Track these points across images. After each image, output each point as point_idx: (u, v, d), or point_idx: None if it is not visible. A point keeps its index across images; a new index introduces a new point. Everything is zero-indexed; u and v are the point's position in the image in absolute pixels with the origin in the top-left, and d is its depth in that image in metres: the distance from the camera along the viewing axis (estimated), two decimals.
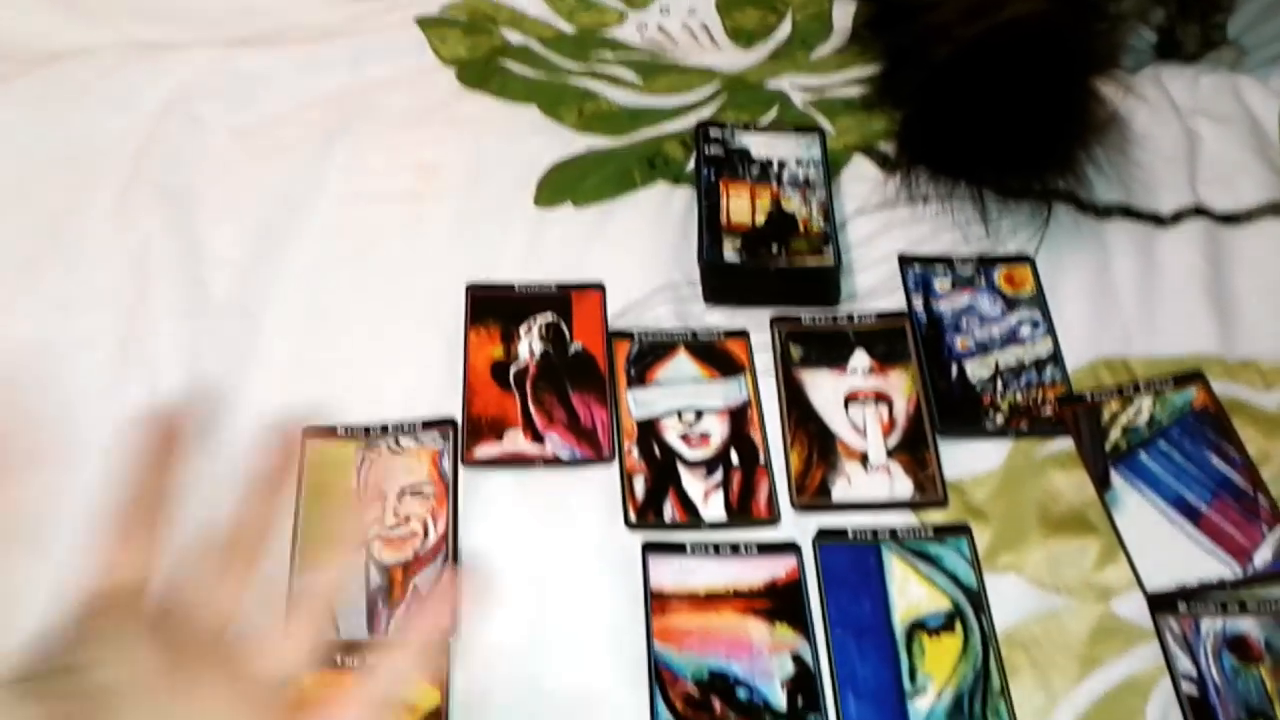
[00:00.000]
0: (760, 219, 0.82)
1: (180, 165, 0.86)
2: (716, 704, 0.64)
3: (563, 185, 0.87)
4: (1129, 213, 0.84)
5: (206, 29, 0.94)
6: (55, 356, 0.76)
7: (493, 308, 0.79)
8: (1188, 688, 0.64)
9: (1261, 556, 0.68)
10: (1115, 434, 0.73)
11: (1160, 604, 0.67)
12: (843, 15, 1.01)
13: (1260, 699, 0.63)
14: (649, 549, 0.69)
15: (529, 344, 0.78)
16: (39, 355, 0.76)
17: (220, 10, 0.96)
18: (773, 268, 0.79)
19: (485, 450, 0.73)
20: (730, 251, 0.80)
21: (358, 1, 0.97)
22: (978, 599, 0.67)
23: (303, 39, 0.93)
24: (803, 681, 0.65)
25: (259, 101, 0.89)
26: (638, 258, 0.83)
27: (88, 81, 0.90)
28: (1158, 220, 0.84)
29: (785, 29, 1.01)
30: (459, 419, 0.74)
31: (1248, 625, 0.66)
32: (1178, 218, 0.84)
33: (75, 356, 0.76)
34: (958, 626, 0.66)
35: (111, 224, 0.83)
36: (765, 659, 0.65)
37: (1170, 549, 0.69)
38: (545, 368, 0.77)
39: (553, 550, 0.70)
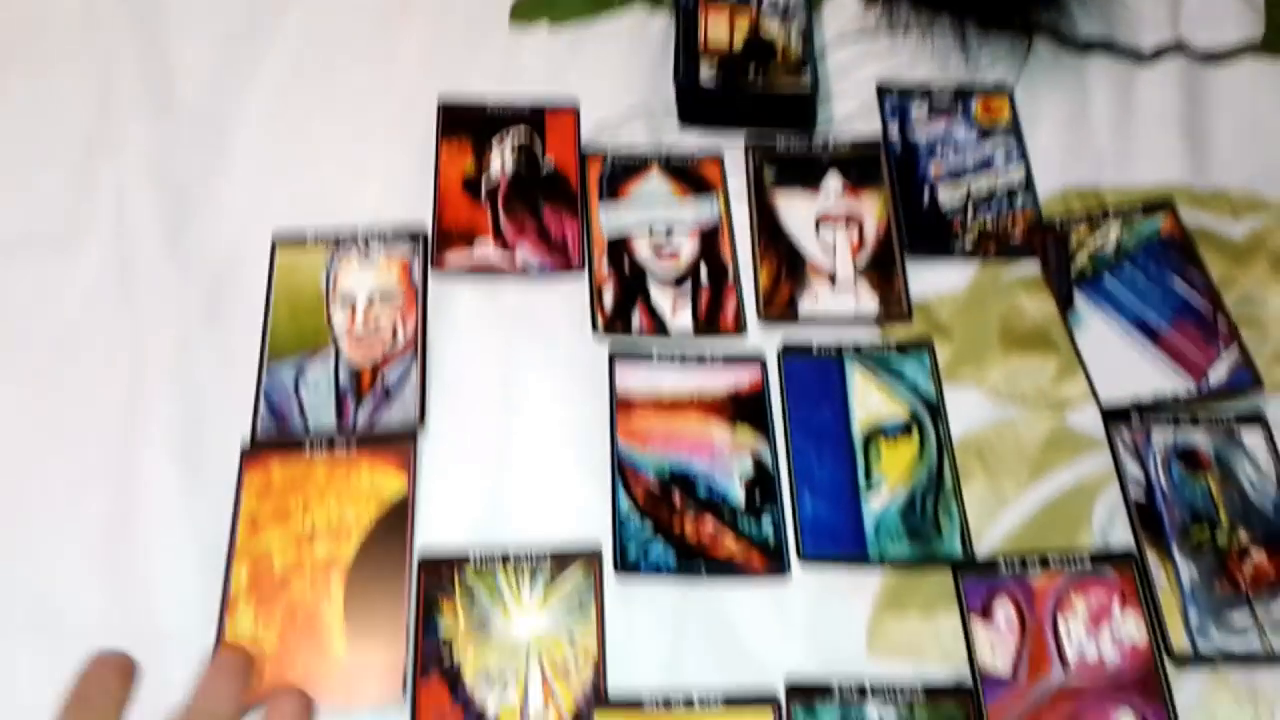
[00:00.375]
0: (738, 43, 0.81)
1: None
2: (676, 497, 0.65)
3: (539, 3, 0.86)
4: (1110, 48, 0.84)
5: None
6: (24, 158, 0.76)
7: (465, 123, 0.79)
8: (1135, 492, 0.65)
9: (1216, 374, 0.69)
10: (1082, 259, 0.74)
11: (1114, 416, 0.68)
12: None
13: (1206, 504, 0.65)
14: (616, 356, 0.70)
15: (501, 160, 0.77)
16: (8, 157, 0.76)
17: None
18: (748, 92, 0.78)
19: (455, 258, 0.73)
20: (706, 74, 0.79)
21: None
22: (935, 408, 0.69)
23: None
24: (761, 480, 0.66)
25: None
26: (613, 79, 0.82)
27: None
28: (1138, 56, 0.84)
29: None
30: (429, 229, 0.74)
31: (1198, 438, 0.67)
32: (1158, 54, 0.83)
33: (44, 157, 0.76)
34: (914, 433, 0.68)
35: (79, 31, 0.82)
36: (726, 458, 0.67)
37: (1128, 366, 0.70)
38: (517, 182, 0.77)
39: (520, 356, 0.70)
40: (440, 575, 0.61)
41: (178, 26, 0.82)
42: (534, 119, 0.79)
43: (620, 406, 0.68)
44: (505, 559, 0.62)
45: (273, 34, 0.82)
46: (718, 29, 0.82)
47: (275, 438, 0.66)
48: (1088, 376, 0.70)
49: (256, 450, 0.65)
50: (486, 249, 0.74)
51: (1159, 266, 0.73)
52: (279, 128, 0.78)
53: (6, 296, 0.71)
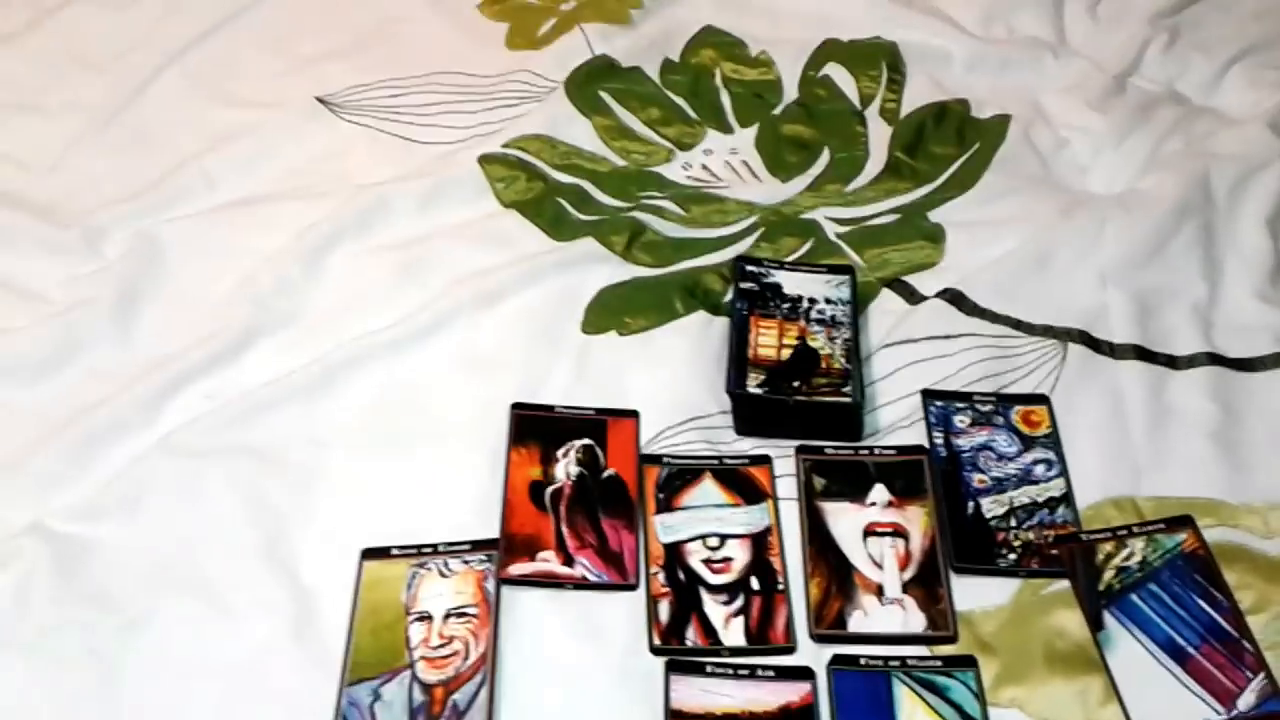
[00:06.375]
0: (785, 354, 0.87)
1: None
2: None
3: (608, 314, 0.93)
4: (1142, 354, 0.88)
5: None
6: None
7: (534, 428, 0.85)
8: None
9: (1245, 701, 0.71)
10: (1109, 574, 0.77)
11: None
12: (879, 145, 1.08)
13: None
14: (671, 666, 0.74)
15: (565, 466, 0.83)
16: None
17: None
18: (792, 401, 0.84)
19: (519, 568, 0.78)
20: (754, 383, 0.85)
21: None
22: None
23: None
24: None
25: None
26: (674, 384, 0.89)
27: None
28: (1171, 362, 0.88)
29: (823, 161, 1.07)
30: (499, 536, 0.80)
31: None
32: (1191, 361, 0.88)
33: None
34: None
35: None
36: None
37: (1160, 691, 0.71)
38: (579, 489, 0.82)
39: (581, 669, 0.74)
40: None
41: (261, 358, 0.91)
42: (597, 426, 0.86)
43: None
44: None
45: (359, 369, 0.90)
46: (767, 340, 0.88)
47: None
48: (1121, 702, 0.71)
49: None
50: (549, 559, 0.79)
51: (1183, 584, 0.76)
52: (368, 439, 0.86)
53: None
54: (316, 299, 0.95)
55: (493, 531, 0.80)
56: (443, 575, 0.78)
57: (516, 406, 0.87)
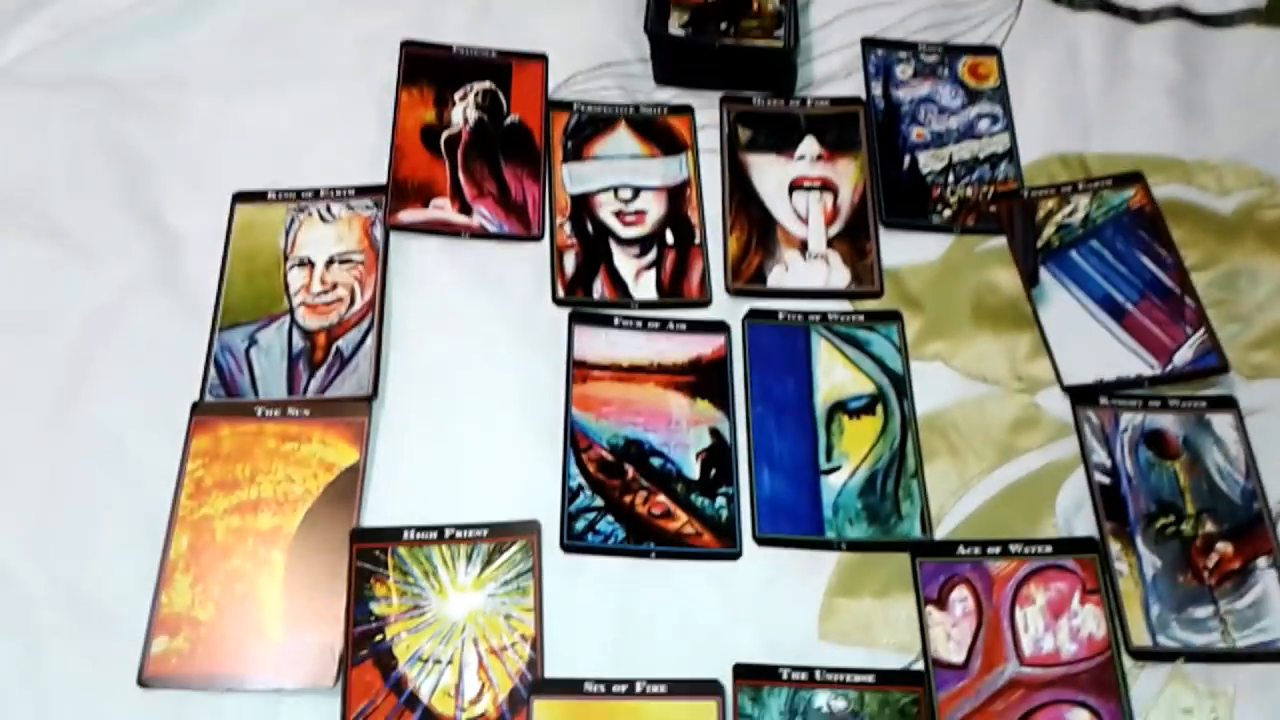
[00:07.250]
0: None
1: None
2: (629, 469, 0.64)
3: None
4: (1105, 6, 0.80)
5: None
6: None
7: (428, 69, 0.76)
8: (1100, 477, 0.64)
9: (1182, 356, 0.67)
10: (1049, 231, 0.71)
11: (1082, 396, 0.66)
12: None
13: (1173, 492, 0.63)
14: (575, 318, 0.68)
15: (463, 110, 0.75)
16: None
17: None
18: (717, 44, 0.75)
19: (410, 215, 0.71)
20: (676, 25, 0.76)
21: None
22: (901, 384, 0.67)
23: None
24: (717, 455, 0.64)
25: None
26: (588, 26, 0.79)
27: None
28: (1134, 16, 0.80)
29: None
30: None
31: (1167, 421, 0.65)
32: (1156, 15, 0.80)
33: None
34: (878, 409, 0.66)
35: None
36: (683, 431, 0.65)
37: (1093, 345, 0.68)
38: (479, 136, 0.74)
39: (478, 319, 0.69)
40: (373, 551, 0.60)
41: None
42: (500, 69, 0.77)
43: (577, 372, 0.67)
44: (441, 534, 0.60)
45: None
46: None
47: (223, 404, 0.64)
48: (1050, 354, 0.67)
49: (206, 411, 0.64)
50: (443, 207, 0.71)
51: (1126, 241, 0.71)
52: (236, 77, 0.76)
53: None
54: None
55: (380, 178, 0.72)
56: (324, 220, 0.70)
57: (407, 45, 0.77)
